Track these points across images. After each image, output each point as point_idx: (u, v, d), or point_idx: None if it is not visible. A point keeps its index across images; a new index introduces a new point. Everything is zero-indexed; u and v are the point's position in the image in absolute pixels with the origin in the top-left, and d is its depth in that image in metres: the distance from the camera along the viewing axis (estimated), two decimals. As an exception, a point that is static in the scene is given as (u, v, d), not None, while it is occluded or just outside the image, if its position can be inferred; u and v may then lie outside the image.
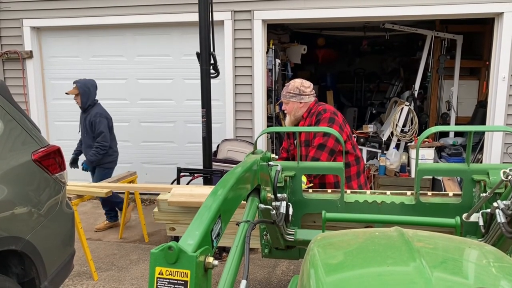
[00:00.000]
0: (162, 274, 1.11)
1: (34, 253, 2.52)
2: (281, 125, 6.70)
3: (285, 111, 3.42)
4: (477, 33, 7.17)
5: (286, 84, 3.45)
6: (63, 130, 6.50)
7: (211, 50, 4.24)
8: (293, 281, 2.30)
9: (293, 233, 2.58)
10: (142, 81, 6.16)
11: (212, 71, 4.31)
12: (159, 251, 1.12)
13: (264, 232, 2.74)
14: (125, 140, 6.34)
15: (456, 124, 6.75)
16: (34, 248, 2.51)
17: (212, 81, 4.35)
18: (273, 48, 6.04)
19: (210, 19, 4.21)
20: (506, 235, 1.92)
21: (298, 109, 3.33)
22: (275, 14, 5.48)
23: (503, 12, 4.88)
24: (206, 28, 4.17)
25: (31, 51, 6.20)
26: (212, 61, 4.27)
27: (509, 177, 1.91)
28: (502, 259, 1.37)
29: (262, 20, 5.49)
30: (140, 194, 5.06)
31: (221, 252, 4.19)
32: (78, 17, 5.97)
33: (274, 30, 6.84)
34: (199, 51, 4.23)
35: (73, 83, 4.96)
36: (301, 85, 3.33)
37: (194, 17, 4.37)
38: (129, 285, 3.81)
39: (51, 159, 2.80)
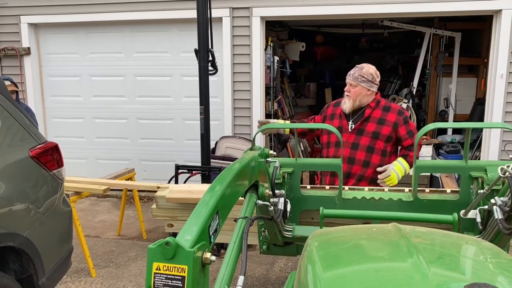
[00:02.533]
0: (160, 270, 1.11)
1: (32, 250, 2.51)
2: (279, 122, 6.69)
3: (347, 93, 3.15)
4: (475, 30, 7.18)
5: (358, 66, 3.19)
6: (61, 127, 6.50)
7: (210, 47, 4.24)
8: (291, 278, 2.31)
9: (291, 229, 2.58)
10: (140, 78, 6.15)
11: (210, 68, 4.31)
12: (157, 247, 1.11)
13: (262, 229, 2.74)
14: (123, 137, 6.35)
15: (454, 121, 6.76)
16: (32, 244, 2.51)
17: (211, 78, 4.35)
18: (272, 45, 6.04)
19: (209, 16, 4.21)
20: (504, 231, 1.92)
21: (365, 95, 3.12)
22: (273, 11, 5.47)
23: (501, 10, 4.88)
24: (204, 25, 4.16)
25: (28, 48, 6.18)
26: (210, 58, 4.27)
27: (507, 173, 1.91)
28: (499, 255, 1.38)
29: (261, 17, 5.49)
30: (138, 191, 5.05)
31: (219, 249, 4.20)
32: (76, 14, 5.95)
33: (273, 27, 6.84)
34: (197, 48, 4.22)
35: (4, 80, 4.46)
36: (375, 73, 3.17)
37: (193, 14, 4.36)
38: (127, 282, 3.81)
39: (48, 156, 2.80)
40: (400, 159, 3.11)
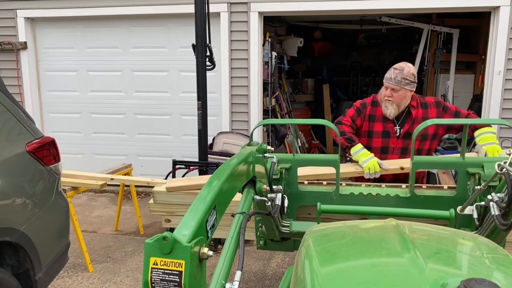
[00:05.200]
0: (157, 265, 1.11)
1: (29, 245, 2.51)
2: (277, 117, 6.69)
3: (389, 99, 2.95)
4: (473, 27, 7.18)
5: (396, 68, 2.96)
6: (58, 121, 6.47)
7: (207, 42, 4.22)
8: (288, 273, 2.32)
9: (288, 225, 2.58)
10: (137, 73, 6.12)
11: (208, 63, 4.29)
12: (154, 241, 1.11)
13: (260, 224, 2.75)
14: (120, 132, 6.33)
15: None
16: (29, 239, 2.51)
17: (208, 73, 4.34)
18: (270, 40, 6.01)
19: (206, 11, 4.19)
20: (500, 227, 1.93)
21: (408, 98, 2.96)
22: (271, 6, 5.45)
23: (499, 6, 4.88)
24: (202, 20, 4.15)
25: (25, 42, 6.15)
26: (208, 53, 4.25)
27: (504, 169, 1.91)
28: (495, 250, 1.38)
29: (259, 12, 5.47)
30: (136, 186, 5.05)
31: (216, 245, 4.20)
32: (73, 8, 5.91)
33: (271, 22, 6.81)
34: (195, 43, 4.21)
35: None
36: (415, 71, 2.99)
37: (190, 8, 4.34)
38: (124, 277, 3.81)
39: (45, 151, 2.79)
40: (476, 133, 2.91)
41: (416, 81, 3.01)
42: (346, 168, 3.01)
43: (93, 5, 5.84)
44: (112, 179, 4.07)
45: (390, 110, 2.98)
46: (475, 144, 5.73)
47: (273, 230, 2.56)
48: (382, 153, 3.03)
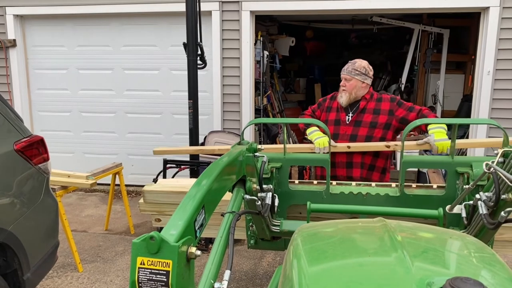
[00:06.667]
0: (144, 264, 1.10)
1: (17, 244, 2.49)
2: (268, 117, 6.70)
3: (343, 88, 3.30)
4: (463, 27, 7.25)
5: (350, 61, 3.36)
6: (47, 120, 6.41)
7: (198, 40, 4.21)
8: (277, 272, 2.32)
9: (278, 224, 2.58)
10: (128, 72, 6.08)
11: (199, 62, 4.28)
12: (141, 241, 1.11)
13: (250, 223, 2.74)
14: (110, 131, 6.29)
15: (442, 117, 6.83)
16: (17, 239, 2.48)
17: (200, 72, 4.32)
18: (261, 39, 6.02)
19: (198, 9, 4.18)
20: (488, 226, 1.95)
21: (360, 88, 3.26)
22: (263, 6, 5.44)
23: (489, 7, 4.92)
24: (193, 19, 4.13)
25: (14, 40, 6.08)
26: (199, 52, 4.24)
27: (492, 169, 1.93)
28: (482, 250, 1.39)
29: (250, 11, 5.46)
30: (126, 185, 5.02)
31: (207, 244, 4.20)
32: (63, 6, 5.86)
33: (262, 21, 6.82)
34: (186, 42, 4.19)
35: None
36: (367, 66, 3.32)
37: (182, 7, 4.32)
38: (114, 277, 3.79)
39: (34, 150, 2.76)
40: (429, 127, 3.09)
41: (369, 75, 3.29)
42: (300, 145, 3.65)
43: (83, 3, 5.79)
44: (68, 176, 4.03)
45: (343, 98, 3.30)
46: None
47: (263, 230, 2.56)
48: (333, 139, 3.29)
